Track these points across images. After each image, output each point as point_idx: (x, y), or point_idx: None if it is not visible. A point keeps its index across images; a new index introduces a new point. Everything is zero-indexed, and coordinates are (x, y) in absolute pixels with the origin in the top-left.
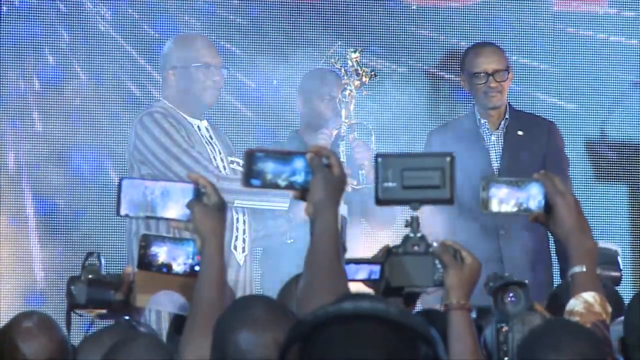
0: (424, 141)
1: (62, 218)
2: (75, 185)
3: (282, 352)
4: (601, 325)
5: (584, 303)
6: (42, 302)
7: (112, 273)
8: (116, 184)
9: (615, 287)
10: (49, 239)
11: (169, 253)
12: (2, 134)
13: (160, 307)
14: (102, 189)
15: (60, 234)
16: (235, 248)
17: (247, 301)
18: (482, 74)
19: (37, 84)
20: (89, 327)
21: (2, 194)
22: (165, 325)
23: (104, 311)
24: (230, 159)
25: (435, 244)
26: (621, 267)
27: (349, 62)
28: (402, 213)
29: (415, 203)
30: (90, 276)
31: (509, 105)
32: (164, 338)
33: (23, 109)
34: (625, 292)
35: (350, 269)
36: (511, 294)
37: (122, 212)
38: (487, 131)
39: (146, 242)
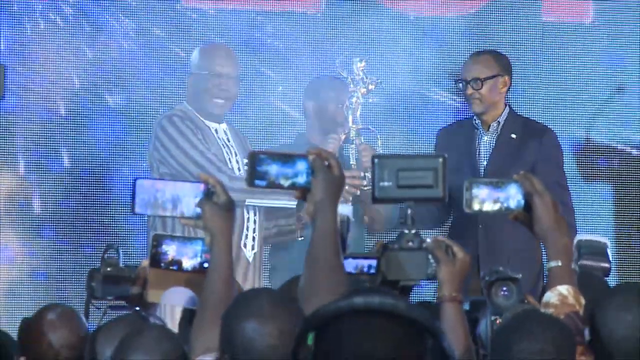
0: (424, 144)
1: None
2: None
3: (296, 342)
4: (574, 316)
5: (558, 295)
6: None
7: (130, 265)
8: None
9: (605, 277)
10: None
11: (179, 251)
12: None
13: (171, 302)
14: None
15: (80, 227)
16: (245, 246)
17: (253, 293)
18: (462, 82)
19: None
20: (102, 317)
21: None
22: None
23: (118, 302)
24: (246, 160)
25: (428, 240)
26: (610, 258)
27: (355, 70)
28: None
29: (409, 201)
30: (108, 269)
31: (510, 108)
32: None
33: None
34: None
35: (348, 263)
36: (504, 288)
37: (136, 210)
38: (480, 132)
39: (157, 241)
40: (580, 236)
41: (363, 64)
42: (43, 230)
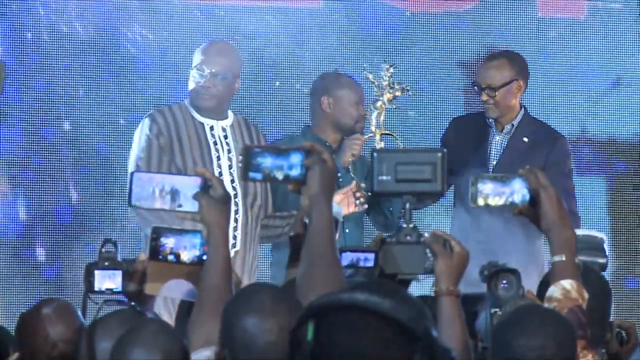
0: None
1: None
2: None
3: (291, 335)
4: (577, 310)
5: (562, 290)
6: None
7: (127, 259)
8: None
9: (602, 272)
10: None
11: (177, 244)
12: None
13: (170, 294)
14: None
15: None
16: None
17: (254, 288)
18: (477, 87)
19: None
20: (97, 312)
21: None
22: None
23: (114, 297)
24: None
25: (426, 234)
26: (607, 253)
27: (383, 75)
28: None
29: (408, 195)
30: (106, 263)
31: (525, 110)
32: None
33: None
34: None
35: (345, 256)
36: (504, 281)
37: (133, 203)
38: (494, 131)
39: (156, 234)
40: (577, 231)
41: (392, 70)
42: (42, 225)
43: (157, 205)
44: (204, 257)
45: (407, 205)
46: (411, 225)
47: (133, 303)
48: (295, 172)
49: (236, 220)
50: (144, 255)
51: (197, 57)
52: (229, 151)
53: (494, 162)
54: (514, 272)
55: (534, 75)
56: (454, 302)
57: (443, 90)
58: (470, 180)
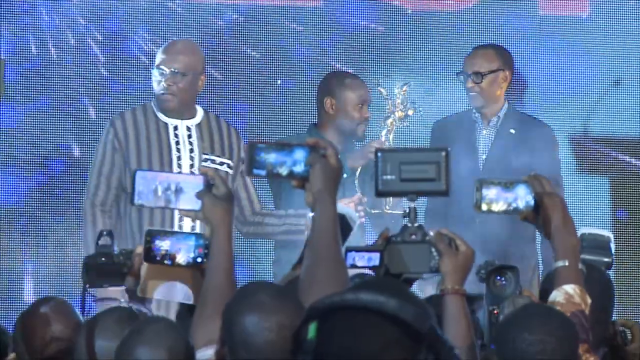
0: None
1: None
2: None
3: (295, 336)
4: (580, 315)
5: (564, 294)
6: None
7: (124, 251)
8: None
9: (607, 271)
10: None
11: (173, 246)
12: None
13: (166, 296)
14: None
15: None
16: None
17: (255, 287)
18: (463, 75)
19: None
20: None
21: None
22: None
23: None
24: (204, 157)
25: (431, 233)
26: (613, 252)
27: (397, 92)
28: None
29: (413, 194)
30: (103, 259)
31: (509, 104)
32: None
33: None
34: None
35: (350, 256)
36: (502, 278)
37: (136, 201)
38: (480, 126)
39: (151, 236)
40: (584, 229)
41: (405, 88)
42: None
43: (160, 203)
44: (199, 259)
45: (412, 205)
46: (416, 224)
47: (125, 302)
48: (299, 169)
49: None
50: (141, 248)
51: (158, 57)
52: (192, 150)
53: (484, 157)
54: (513, 269)
55: (537, 74)
56: (460, 301)
57: (443, 90)
58: (474, 185)
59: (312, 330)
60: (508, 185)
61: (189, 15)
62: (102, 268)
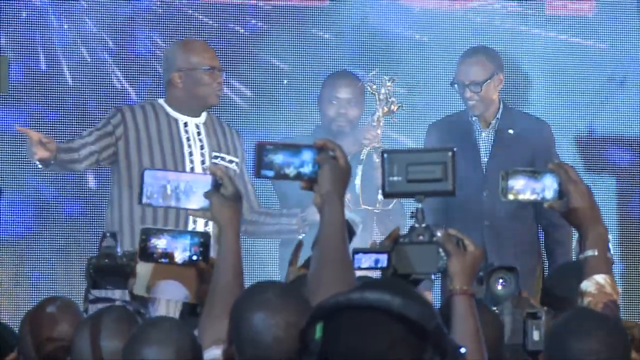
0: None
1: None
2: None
3: (301, 336)
4: (612, 305)
5: (595, 284)
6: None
7: (127, 253)
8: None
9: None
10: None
11: (169, 245)
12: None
13: (162, 295)
14: None
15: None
16: None
17: (262, 285)
18: (459, 84)
19: None
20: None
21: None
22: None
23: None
24: (214, 154)
25: (439, 233)
26: (612, 251)
27: (383, 88)
28: None
29: (420, 195)
30: (106, 261)
31: (503, 103)
32: None
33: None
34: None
35: (358, 257)
36: (502, 279)
37: (144, 201)
38: (478, 128)
39: (146, 235)
40: None
41: (391, 83)
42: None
43: (168, 203)
44: (194, 258)
45: (420, 205)
46: (424, 225)
47: (119, 302)
48: (307, 170)
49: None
50: None
51: (196, 56)
52: (202, 147)
53: (486, 159)
54: (512, 269)
55: (542, 73)
56: (469, 302)
57: (444, 89)
58: (500, 175)
59: (318, 330)
60: (536, 175)
61: (197, 16)
62: (106, 269)
